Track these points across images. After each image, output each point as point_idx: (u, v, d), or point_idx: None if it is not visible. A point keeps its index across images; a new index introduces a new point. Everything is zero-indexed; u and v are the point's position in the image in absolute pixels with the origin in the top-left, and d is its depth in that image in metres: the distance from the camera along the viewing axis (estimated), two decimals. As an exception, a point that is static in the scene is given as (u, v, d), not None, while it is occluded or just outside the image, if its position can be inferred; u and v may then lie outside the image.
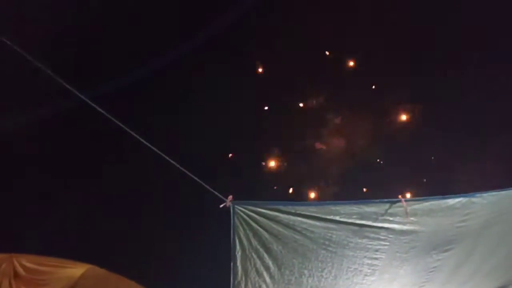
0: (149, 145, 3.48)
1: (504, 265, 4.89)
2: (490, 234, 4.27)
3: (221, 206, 3.64)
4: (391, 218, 3.75)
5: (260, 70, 7.69)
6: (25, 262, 3.83)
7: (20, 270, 3.78)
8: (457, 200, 3.80)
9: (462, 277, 4.72)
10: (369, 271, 4.17)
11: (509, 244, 4.53)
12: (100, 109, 3.28)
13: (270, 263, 3.95)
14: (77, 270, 3.93)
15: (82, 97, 3.21)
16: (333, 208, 3.70)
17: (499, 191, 3.94)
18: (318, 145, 8.27)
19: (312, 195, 7.33)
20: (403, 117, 8.05)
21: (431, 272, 4.44)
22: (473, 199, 3.84)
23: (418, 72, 7.49)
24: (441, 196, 3.79)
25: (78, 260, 4.09)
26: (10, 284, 3.69)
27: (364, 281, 4.28)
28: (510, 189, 3.96)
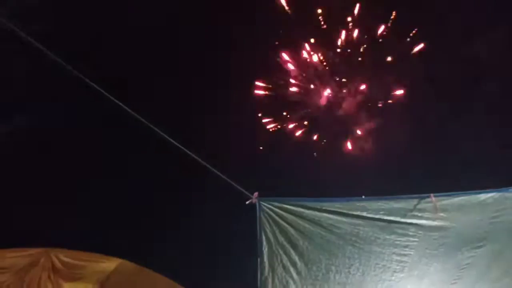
0: (175, 143, 3.54)
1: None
2: (525, 230, 4.11)
3: (247, 202, 3.68)
4: (420, 214, 3.68)
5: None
6: (62, 257, 4.02)
7: (57, 264, 3.97)
8: (489, 195, 3.68)
9: (495, 275, 4.56)
10: (398, 267, 4.10)
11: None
12: (125, 107, 3.34)
13: (296, 259, 3.95)
14: (109, 264, 4.08)
15: (110, 96, 3.29)
16: (359, 204, 3.67)
17: (534, 186, 3.77)
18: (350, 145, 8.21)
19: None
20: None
21: (462, 269, 4.31)
22: (507, 194, 3.71)
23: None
24: (472, 191, 3.67)
25: (110, 255, 4.24)
26: (49, 277, 3.89)
27: (393, 277, 4.20)
28: (546, 184, 3.79)
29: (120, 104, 3.14)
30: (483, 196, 3.70)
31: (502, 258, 4.37)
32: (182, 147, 3.53)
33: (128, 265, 4.21)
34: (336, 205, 3.70)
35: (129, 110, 3.33)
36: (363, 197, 3.78)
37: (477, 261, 4.25)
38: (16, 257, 3.96)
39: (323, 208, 3.70)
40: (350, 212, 3.68)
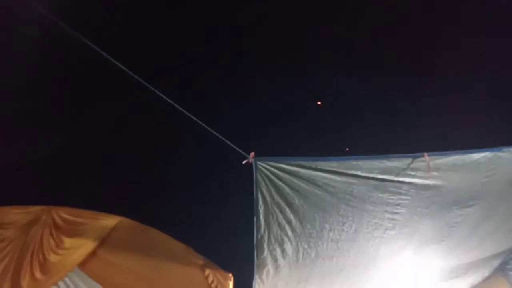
0: (171, 102, 3.52)
1: (528, 222, 4.85)
2: (515, 191, 4.20)
3: (244, 162, 3.71)
4: (413, 173, 3.72)
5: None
6: (63, 214, 4.13)
7: (58, 220, 4.08)
8: (482, 154, 3.71)
9: (483, 233, 4.72)
10: (389, 225, 4.23)
11: (534, 202, 4.45)
12: (121, 66, 3.30)
13: (291, 217, 4.05)
14: (110, 221, 4.19)
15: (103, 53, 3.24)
16: (354, 163, 3.71)
17: (527, 146, 3.81)
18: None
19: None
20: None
21: (452, 227, 4.46)
22: (500, 154, 3.75)
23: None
24: (465, 151, 3.70)
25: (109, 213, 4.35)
26: (51, 233, 4.02)
27: (385, 235, 4.35)
28: (540, 144, 3.83)
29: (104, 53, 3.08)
30: (476, 156, 3.73)
31: (491, 217, 4.50)
32: (174, 103, 3.52)
33: (128, 222, 4.32)
34: (332, 164, 3.73)
35: (124, 68, 3.29)
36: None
37: (466, 220, 4.37)
38: (19, 213, 4.07)
39: (319, 167, 3.73)
40: (345, 171, 3.72)
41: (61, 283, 4.57)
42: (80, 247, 4.07)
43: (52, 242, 3.99)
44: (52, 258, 3.96)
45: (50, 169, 5.79)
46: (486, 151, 3.70)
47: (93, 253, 4.12)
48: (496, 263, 5.71)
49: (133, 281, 4.28)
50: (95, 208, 4.43)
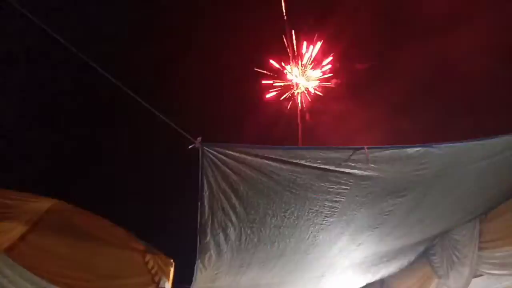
0: (118, 83, 3.35)
1: (448, 212, 5.36)
2: (440, 184, 4.59)
3: (190, 147, 3.64)
4: (353, 164, 3.92)
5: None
6: (-14, 195, 3.76)
7: (-19, 202, 3.72)
8: (415, 149, 4.01)
9: (412, 221, 5.13)
10: (329, 212, 4.43)
11: (455, 194, 4.92)
12: (67, 44, 3.08)
13: (236, 203, 4.07)
14: (43, 204, 3.88)
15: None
16: (299, 152, 3.81)
17: (455, 143, 4.17)
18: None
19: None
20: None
21: (385, 215, 4.78)
22: (430, 150, 4.07)
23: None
24: (401, 145, 3.98)
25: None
26: (-29, 216, 3.64)
27: (324, 221, 4.55)
28: (465, 142, 4.21)
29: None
30: (410, 150, 4.01)
31: (419, 207, 4.89)
32: (126, 89, 3.36)
33: (64, 205, 4.05)
34: (278, 153, 3.79)
35: (70, 46, 3.07)
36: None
37: (398, 209, 4.72)
38: None
39: (265, 155, 3.77)
40: (290, 160, 3.80)
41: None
42: (7, 232, 3.72)
43: (-26, 226, 3.63)
44: (-27, 244, 3.61)
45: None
46: (419, 146, 4.00)
47: (22, 238, 3.81)
48: (420, 249, 6.25)
49: (67, 267, 4.03)
50: (27, 191, 4.10)
